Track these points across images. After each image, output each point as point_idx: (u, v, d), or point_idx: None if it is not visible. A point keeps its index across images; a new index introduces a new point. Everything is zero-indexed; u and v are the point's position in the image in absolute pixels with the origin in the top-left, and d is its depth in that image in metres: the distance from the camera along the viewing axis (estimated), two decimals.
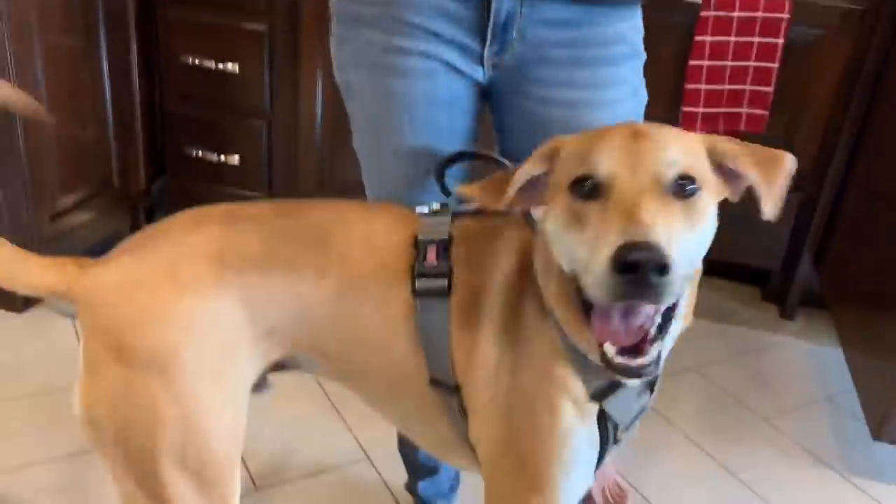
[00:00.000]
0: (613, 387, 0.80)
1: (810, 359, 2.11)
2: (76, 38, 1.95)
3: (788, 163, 0.76)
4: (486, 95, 1.04)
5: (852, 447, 1.74)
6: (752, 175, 0.73)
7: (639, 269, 0.61)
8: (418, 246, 0.84)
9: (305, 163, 2.24)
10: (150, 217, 2.37)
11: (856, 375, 1.82)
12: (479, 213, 0.89)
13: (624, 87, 1.01)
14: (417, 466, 1.32)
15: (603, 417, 0.82)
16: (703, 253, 0.73)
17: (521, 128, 1.03)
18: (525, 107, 1.01)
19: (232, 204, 0.91)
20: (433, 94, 0.99)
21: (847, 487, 1.63)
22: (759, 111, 2.05)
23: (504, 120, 1.05)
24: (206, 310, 0.81)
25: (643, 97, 1.05)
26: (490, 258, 0.85)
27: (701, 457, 1.67)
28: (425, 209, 0.89)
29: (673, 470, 1.62)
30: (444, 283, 0.82)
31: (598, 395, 0.81)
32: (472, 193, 0.80)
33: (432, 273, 0.83)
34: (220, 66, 2.13)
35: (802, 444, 1.74)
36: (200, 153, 2.26)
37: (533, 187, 0.77)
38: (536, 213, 0.83)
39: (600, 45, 0.98)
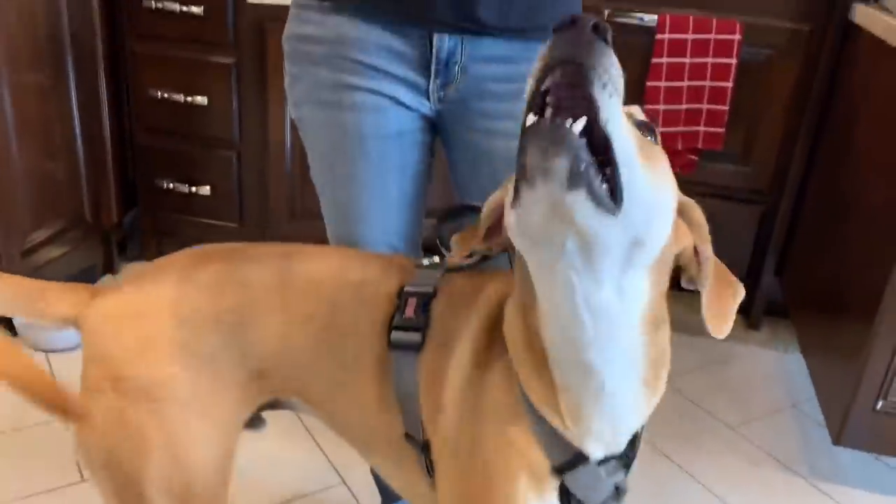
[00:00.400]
0: (577, 460, 0.77)
1: (776, 367, 2.16)
2: (45, 74, 1.97)
3: (740, 296, 0.74)
4: (435, 128, 1.09)
5: (817, 453, 1.80)
6: (704, 276, 0.72)
7: (573, 24, 0.58)
8: (400, 298, 0.84)
9: (276, 191, 2.27)
10: (123, 250, 2.39)
11: (816, 382, 1.88)
12: (475, 266, 0.88)
13: None
14: (389, 492, 1.34)
15: (566, 494, 0.78)
16: (657, 210, 0.66)
17: (468, 158, 1.08)
18: (470, 138, 1.06)
19: (238, 244, 0.94)
20: (383, 127, 1.03)
21: (812, 492, 1.67)
22: (716, 129, 2.11)
23: (452, 151, 1.10)
24: (201, 345, 0.83)
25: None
26: (464, 315, 0.84)
27: (668, 466, 1.71)
28: (425, 261, 0.90)
29: (641, 480, 1.65)
30: (418, 337, 0.83)
31: (561, 469, 0.77)
32: (453, 243, 0.81)
33: (408, 327, 0.83)
34: (189, 98, 2.16)
35: (769, 451, 1.79)
36: (172, 185, 2.28)
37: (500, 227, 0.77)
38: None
39: None
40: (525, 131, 0.60)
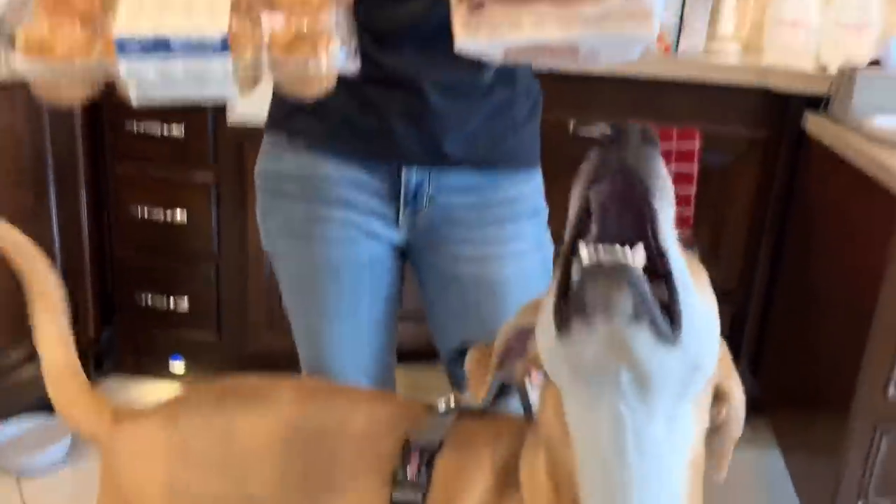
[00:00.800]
0: None
1: (756, 466, 2.15)
2: (27, 194, 2.01)
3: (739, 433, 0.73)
4: (405, 255, 1.13)
5: None
6: (733, 420, 0.69)
7: (622, 133, 0.56)
8: (405, 452, 0.81)
9: (255, 302, 2.29)
10: (99, 365, 2.37)
11: (796, 481, 1.88)
12: (489, 409, 0.85)
13: (528, 241, 1.10)
14: None
15: None
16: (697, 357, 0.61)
17: (436, 283, 1.11)
18: (438, 264, 1.09)
19: (262, 380, 0.95)
20: (355, 257, 1.07)
21: None
22: (682, 233, 2.17)
23: (421, 276, 1.14)
24: (209, 492, 0.85)
25: (548, 249, 1.13)
26: (470, 474, 0.79)
27: None
28: (441, 404, 0.87)
29: None
30: (419, 497, 0.80)
31: None
32: (469, 376, 0.79)
33: (410, 485, 0.80)
34: (169, 214, 2.21)
35: None
36: (150, 299, 2.29)
37: (520, 352, 0.76)
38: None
39: (504, 205, 1.07)
40: (574, 257, 0.57)
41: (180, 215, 2.21)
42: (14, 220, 1.95)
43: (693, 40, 2.35)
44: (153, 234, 2.25)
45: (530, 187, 1.10)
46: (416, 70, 0.97)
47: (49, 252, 2.06)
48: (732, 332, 2.28)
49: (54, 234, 2.10)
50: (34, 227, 2.04)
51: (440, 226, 1.07)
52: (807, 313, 1.96)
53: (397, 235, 1.09)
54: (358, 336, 1.10)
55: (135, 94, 0.62)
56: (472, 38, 0.67)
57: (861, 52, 2.32)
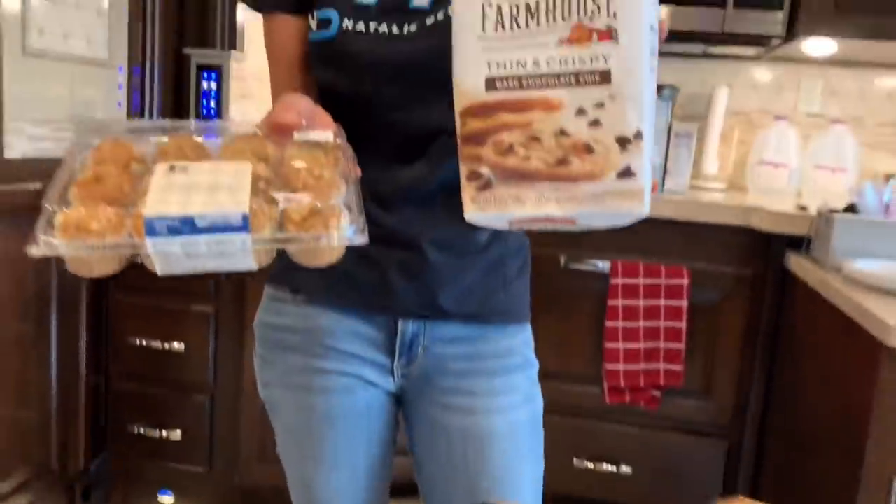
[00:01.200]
0: None
1: None
2: (28, 325, 2.04)
3: None
4: (398, 402, 1.16)
5: None
6: None
7: None
8: None
9: (247, 434, 2.28)
10: (87, 497, 2.33)
11: None
12: None
13: (517, 394, 1.12)
14: None
15: None
16: None
17: (426, 432, 1.13)
18: (429, 412, 1.11)
19: None
20: (352, 406, 1.09)
21: None
22: (674, 367, 2.21)
23: (412, 425, 1.16)
24: None
25: (538, 402, 1.15)
26: None
27: None
28: None
29: None
30: None
31: None
32: None
33: None
34: (167, 345, 2.23)
35: None
36: (142, 430, 2.29)
37: None
38: None
39: (494, 358, 1.10)
40: None
41: (178, 344, 2.24)
42: (14, 350, 1.99)
43: (678, 180, 2.47)
44: (150, 362, 2.27)
45: (519, 340, 1.13)
46: (416, 229, 1.02)
47: (46, 383, 2.10)
48: (728, 468, 2.27)
49: (52, 364, 2.12)
50: (33, 358, 2.06)
51: (433, 375, 1.10)
52: (800, 449, 1.96)
53: (392, 384, 1.11)
54: (354, 483, 1.11)
55: (160, 268, 0.67)
56: (480, 212, 0.76)
57: (839, 192, 2.44)
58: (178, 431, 2.28)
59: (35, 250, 0.63)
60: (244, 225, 0.66)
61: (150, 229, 0.64)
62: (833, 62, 2.63)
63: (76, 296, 2.18)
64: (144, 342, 2.24)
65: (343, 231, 0.70)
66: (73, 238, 0.63)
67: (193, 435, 2.29)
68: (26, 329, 2.04)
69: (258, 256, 0.70)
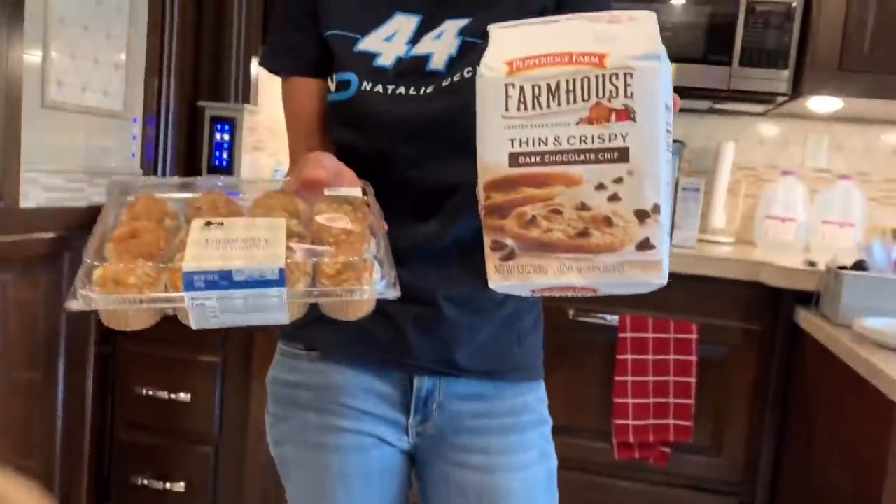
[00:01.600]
0: None
1: None
2: (36, 373, 2.03)
3: None
4: (412, 460, 1.14)
5: None
6: None
7: None
8: None
9: (251, 483, 2.25)
10: None
11: None
12: None
13: (532, 451, 1.11)
14: None
15: None
16: None
17: (440, 490, 1.12)
18: (445, 470, 1.10)
19: None
20: (366, 466, 1.08)
21: None
22: (684, 422, 2.19)
23: (426, 483, 1.15)
24: None
25: (552, 460, 1.14)
26: None
27: None
28: None
29: None
30: None
31: None
32: None
33: None
34: (173, 395, 2.22)
35: None
36: (146, 481, 2.26)
37: None
38: None
39: (509, 415, 1.10)
40: None
41: (184, 395, 2.22)
42: (22, 398, 1.98)
43: (686, 234, 2.48)
44: (155, 413, 2.25)
45: (533, 397, 1.13)
46: (432, 285, 1.03)
47: (51, 431, 2.08)
48: None
49: (58, 413, 2.11)
50: (38, 406, 2.05)
51: (447, 433, 1.09)
52: None
53: (406, 442, 1.11)
54: None
55: (194, 322, 0.68)
56: (504, 280, 0.78)
57: (847, 246, 2.45)
58: (182, 484, 2.25)
59: (74, 304, 0.64)
60: (281, 279, 0.67)
61: (189, 283, 0.65)
62: (838, 118, 2.68)
63: (85, 344, 2.18)
64: (150, 392, 2.23)
65: (375, 285, 0.71)
66: (111, 292, 0.64)
67: (197, 487, 2.26)
68: (34, 377, 2.03)
69: (292, 310, 0.71)
